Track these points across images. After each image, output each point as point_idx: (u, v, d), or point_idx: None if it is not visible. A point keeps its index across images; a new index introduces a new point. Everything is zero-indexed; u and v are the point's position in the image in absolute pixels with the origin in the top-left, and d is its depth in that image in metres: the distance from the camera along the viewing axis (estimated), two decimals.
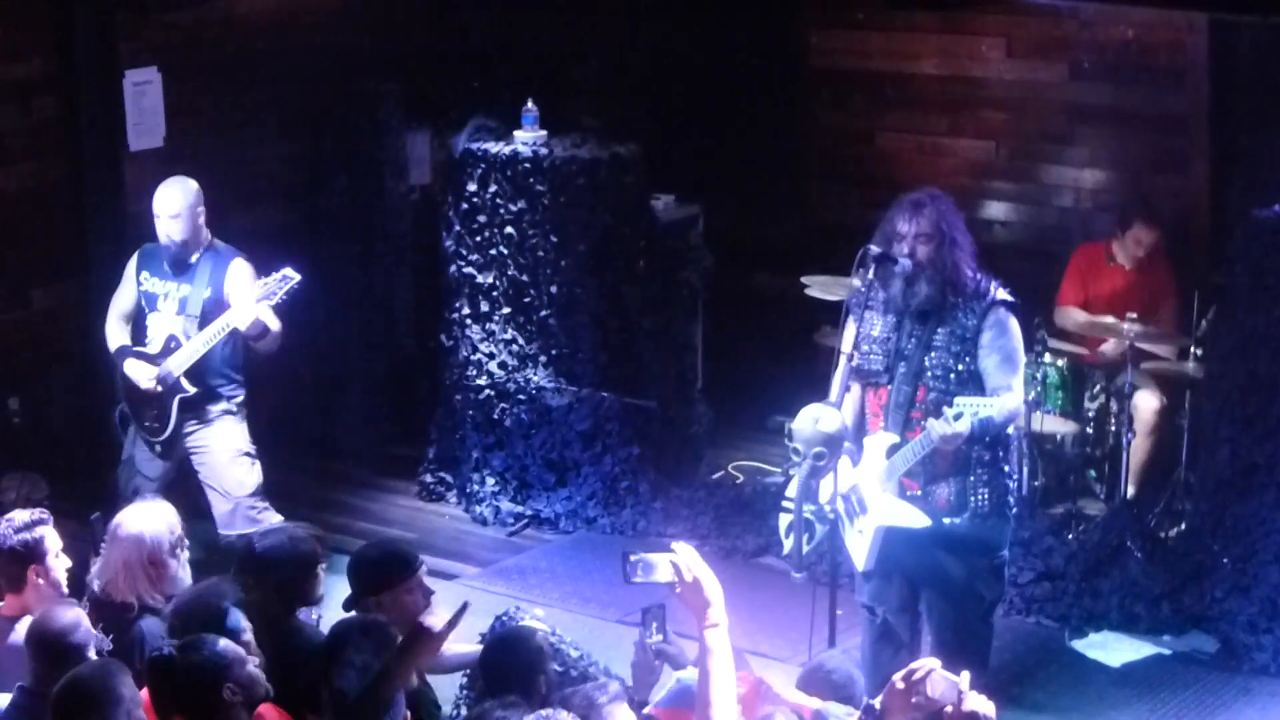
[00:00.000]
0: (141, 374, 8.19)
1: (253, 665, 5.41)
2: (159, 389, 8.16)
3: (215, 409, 8.27)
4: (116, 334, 8.36)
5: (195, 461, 8.35)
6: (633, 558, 4.82)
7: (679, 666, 5.86)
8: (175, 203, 8.14)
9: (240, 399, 8.33)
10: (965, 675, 4.68)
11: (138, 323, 8.34)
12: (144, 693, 5.36)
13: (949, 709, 4.64)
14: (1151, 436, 9.38)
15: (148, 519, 6.44)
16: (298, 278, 7.99)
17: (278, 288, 7.97)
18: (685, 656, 5.78)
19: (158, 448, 8.32)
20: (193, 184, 8.20)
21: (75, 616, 5.76)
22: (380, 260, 10.54)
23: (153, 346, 8.23)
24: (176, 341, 8.16)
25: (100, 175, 9.64)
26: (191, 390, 8.17)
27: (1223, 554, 8.38)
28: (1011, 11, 10.69)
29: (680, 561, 4.75)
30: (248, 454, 8.35)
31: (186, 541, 6.59)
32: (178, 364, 8.13)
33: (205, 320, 8.12)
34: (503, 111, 9.83)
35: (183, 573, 6.49)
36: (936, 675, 4.63)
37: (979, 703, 4.63)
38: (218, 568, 7.69)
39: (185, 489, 8.48)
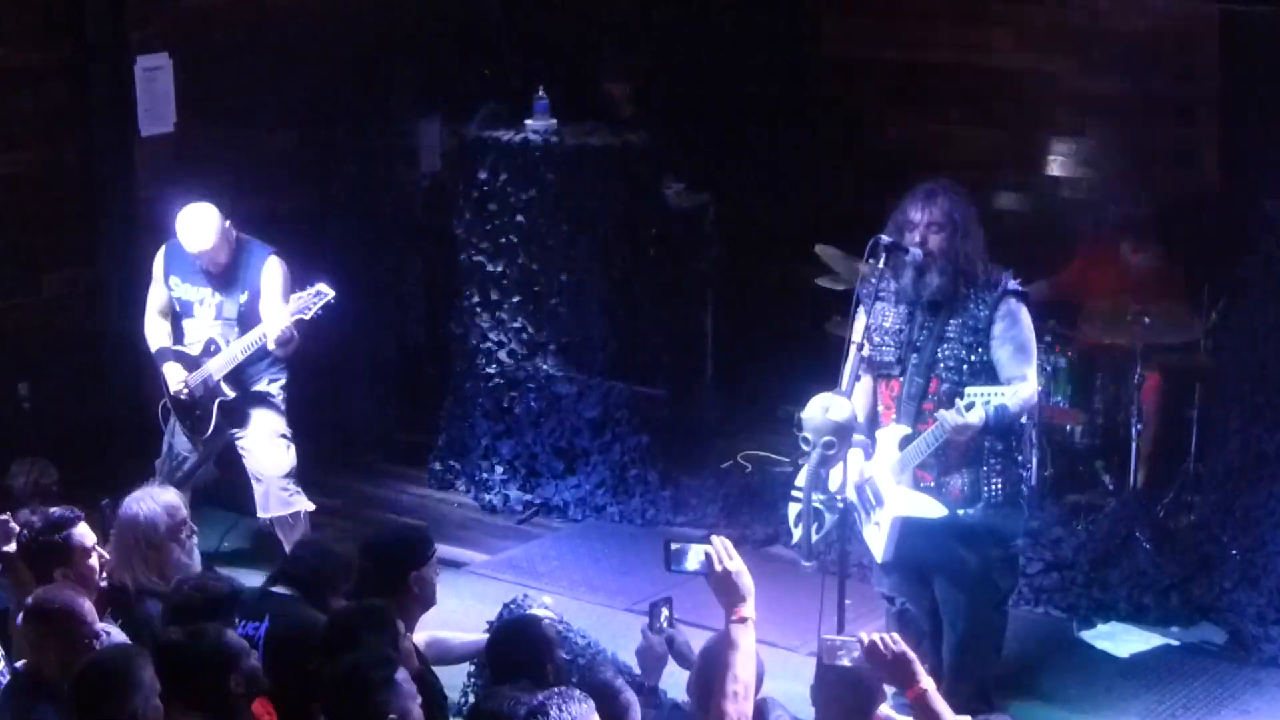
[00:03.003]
0: (173, 377, 8.23)
1: (255, 659, 5.41)
2: (190, 391, 8.19)
3: (254, 391, 8.30)
4: (156, 334, 8.37)
5: (238, 445, 8.39)
6: (674, 546, 4.92)
7: (685, 657, 5.86)
8: (205, 237, 8.08)
9: (282, 382, 8.37)
10: (862, 634, 4.89)
11: (174, 323, 8.37)
12: None
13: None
14: (1160, 427, 9.36)
15: (144, 502, 6.44)
16: (332, 294, 7.98)
17: (312, 303, 7.96)
18: (690, 647, 5.79)
19: (200, 440, 8.36)
20: (212, 210, 8.13)
21: (74, 597, 5.67)
22: (391, 247, 10.53)
23: (193, 349, 8.27)
24: (216, 345, 8.19)
25: (111, 161, 9.65)
26: (232, 395, 8.22)
27: (1232, 545, 8.38)
28: (1022, 1, 10.69)
29: (714, 552, 4.82)
30: (283, 436, 8.39)
31: (194, 527, 6.59)
32: (217, 367, 8.17)
33: (244, 321, 8.15)
34: (514, 99, 9.82)
35: (186, 558, 6.49)
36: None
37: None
38: (259, 557, 7.79)
39: (233, 484, 8.54)
